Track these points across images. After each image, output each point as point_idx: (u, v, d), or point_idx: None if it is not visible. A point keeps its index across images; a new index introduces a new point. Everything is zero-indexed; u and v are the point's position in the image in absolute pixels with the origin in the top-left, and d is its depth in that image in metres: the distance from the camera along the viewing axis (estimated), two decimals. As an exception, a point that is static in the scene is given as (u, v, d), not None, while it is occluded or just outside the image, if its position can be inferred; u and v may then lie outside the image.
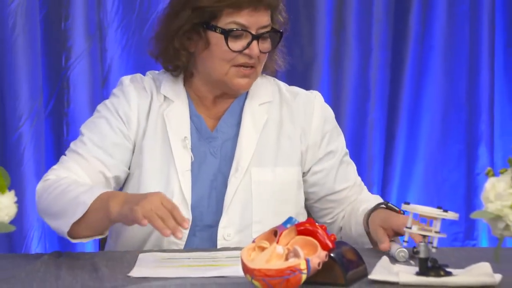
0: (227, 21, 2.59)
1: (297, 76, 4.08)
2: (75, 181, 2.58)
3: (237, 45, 2.60)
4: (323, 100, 2.80)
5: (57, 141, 3.95)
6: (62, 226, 2.47)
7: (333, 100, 4.13)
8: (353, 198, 2.75)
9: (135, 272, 2.31)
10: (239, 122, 2.71)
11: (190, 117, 2.69)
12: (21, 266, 2.38)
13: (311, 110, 2.75)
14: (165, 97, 2.70)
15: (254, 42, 2.60)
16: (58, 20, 3.90)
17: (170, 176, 2.65)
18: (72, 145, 2.69)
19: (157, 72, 2.75)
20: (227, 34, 2.59)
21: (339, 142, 2.78)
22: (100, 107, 2.73)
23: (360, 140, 4.15)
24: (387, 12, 4.18)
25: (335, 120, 2.80)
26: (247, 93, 2.73)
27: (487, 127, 4.24)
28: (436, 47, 4.22)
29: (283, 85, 2.80)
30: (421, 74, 4.23)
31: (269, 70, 2.75)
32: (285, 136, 2.72)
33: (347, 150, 2.79)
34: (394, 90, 4.22)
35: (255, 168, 2.68)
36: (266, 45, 2.64)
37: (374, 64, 4.16)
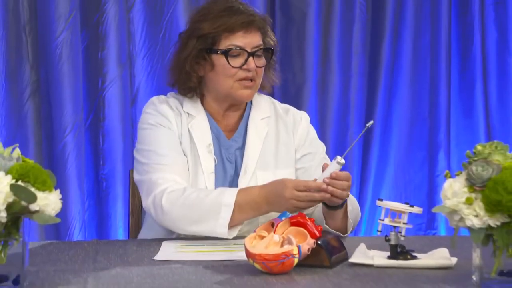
0: (226, 44, 2.60)
1: (290, 97, 4.08)
2: (199, 190, 2.52)
3: (237, 62, 2.60)
4: (309, 119, 2.80)
5: (95, 150, 3.94)
6: (215, 228, 2.44)
7: (320, 117, 4.12)
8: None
9: (159, 256, 2.30)
10: (245, 134, 2.70)
11: (210, 128, 2.68)
12: (65, 251, 2.38)
13: (299, 122, 2.76)
14: (188, 113, 2.68)
15: (250, 58, 2.60)
16: (96, 51, 3.90)
17: (198, 176, 2.63)
18: (148, 161, 2.59)
19: (175, 93, 2.74)
20: (227, 54, 2.59)
21: (319, 149, 2.76)
22: (146, 126, 2.65)
23: (342, 149, 4.14)
24: (364, 46, 4.17)
25: (317, 136, 2.80)
26: (250, 109, 2.72)
27: (445, 138, 4.23)
28: (403, 73, 4.22)
29: (277, 103, 2.80)
30: (391, 95, 4.23)
31: (265, 90, 2.75)
32: (282, 144, 2.72)
33: (328, 159, 2.76)
34: (370, 108, 4.21)
35: (260, 171, 2.66)
36: (261, 61, 2.64)
37: (353, 88, 4.15)
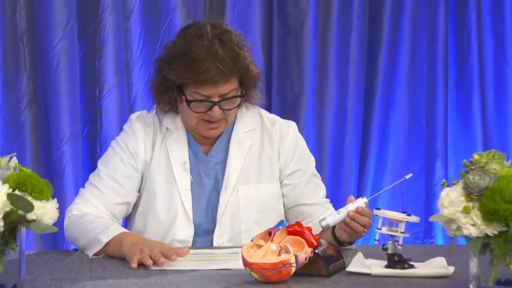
0: (192, 91, 2.54)
1: (288, 106, 4.07)
2: (95, 217, 2.54)
3: (201, 107, 2.55)
4: (297, 129, 2.74)
5: (92, 158, 3.94)
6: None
7: (317, 126, 4.12)
8: (318, 213, 2.66)
9: (155, 265, 2.29)
10: (227, 148, 2.67)
11: (188, 144, 2.66)
12: (61, 260, 2.38)
13: (286, 135, 2.69)
14: (167, 128, 2.67)
15: (215, 107, 2.54)
16: (93, 60, 3.90)
17: (174, 195, 2.62)
18: (90, 178, 2.67)
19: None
20: (190, 102, 2.55)
21: (308, 165, 2.72)
22: (113, 143, 2.69)
23: (339, 158, 4.14)
24: (361, 54, 4.17)
25: (306, 148, 2.75)
26: (234, 122, 2.69)
27: (442, 147, 4.23)
28: (400, 82, 4.22)
29: (264, 113, 2.74)
30: (389, 104, 4.23)
31: (252, 103, 2.70)
32: (265, 157, 2.68)
33: (317, 174, 2.75)
34: (367, 117, 4.21)
35: (241, 186, 2.63)
36: (229, 105, 2.57)
37: (350, 97, 4.15)
